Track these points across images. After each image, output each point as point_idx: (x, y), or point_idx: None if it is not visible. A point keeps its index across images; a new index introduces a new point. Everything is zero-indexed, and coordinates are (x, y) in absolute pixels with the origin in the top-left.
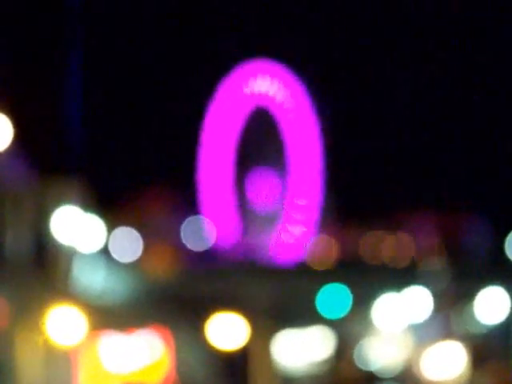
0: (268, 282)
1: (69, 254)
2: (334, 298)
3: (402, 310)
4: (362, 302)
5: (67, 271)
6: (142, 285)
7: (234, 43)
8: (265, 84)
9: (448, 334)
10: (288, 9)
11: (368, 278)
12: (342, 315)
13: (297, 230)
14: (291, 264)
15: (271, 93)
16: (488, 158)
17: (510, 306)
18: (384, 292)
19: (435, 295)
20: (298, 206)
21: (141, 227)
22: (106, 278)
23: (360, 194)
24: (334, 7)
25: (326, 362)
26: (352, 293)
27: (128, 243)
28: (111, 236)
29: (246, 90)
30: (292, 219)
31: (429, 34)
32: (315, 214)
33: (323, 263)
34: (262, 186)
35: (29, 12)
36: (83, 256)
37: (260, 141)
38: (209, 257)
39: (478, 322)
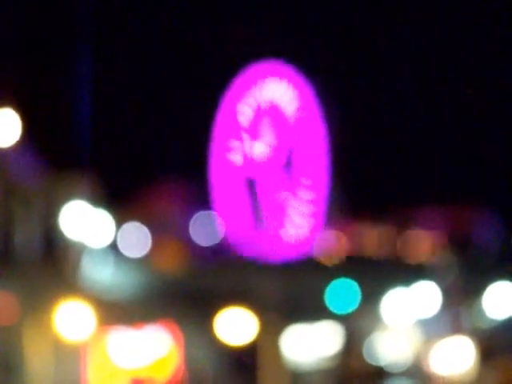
0: (277, 277)
1: (78, 249)
2: (342, 293)
3: (410, 305)
4: (371, 297)
5: (76, 266)
6: (150, 280)
7: (243, 44)
8: (273, 85)
9: (457, 329)
10: (296, 10)
11: (377, 273)
12: (350, 310)
13: (305, 224)
14: (300, 258)
15: (279, 93)
16: (498, 152)
17: None
18: (393, 287)
19: (444, 290)
20: (306, 199)
21: (150, 222)
22: (114, 273)
23: (369, 189)
24: (343, 9)
25: (335, 356)
26: (361, 288)
27: (137, 238)
28: (120, 231)
29: (255, 90)
30: (300, 213)
31: (436, 33)
32: (323, 208)
33: (332, 258)
34: (271, 180)
35: (37, 9)
36: (92, 251)
37: (268, 137)
38: (218, 251)
39: (486, 317)
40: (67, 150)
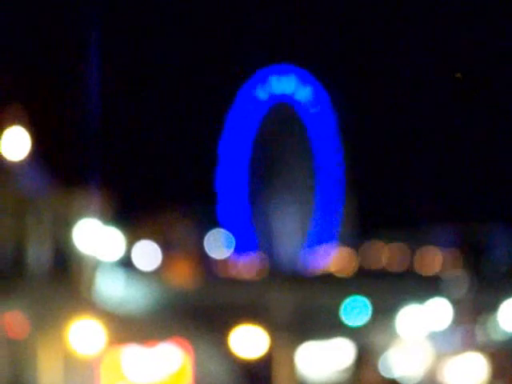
0: (290, 294)
1: (90, 266)
2: (355, 308)
3: (424, 319)
4: (385, 312)
5: (89, 283)
6: (163, 296)
7: (252, 47)
8: (284, 84)
9: (469, 343)
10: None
11: (391, 289)
12: (363, 325)
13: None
14: (313, 273)
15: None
16: (510, 169)
17: None
18: (407, 302)
19: (457, 305)
20: (320, 217)
21: (162, 240)
22: (127, 289)
23: (382, 206)
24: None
25: (349, 370)
26: (375, 303)
27: (149, 255)
28: (133, 248)
29: (265, 93)
30: (314, 229)
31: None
32: (337, 225)
33: (346, 274)
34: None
35: (47, 25)
36: (105, 268)
37: (280, 150)
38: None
39: (501, 332)
40: (79, 168)
